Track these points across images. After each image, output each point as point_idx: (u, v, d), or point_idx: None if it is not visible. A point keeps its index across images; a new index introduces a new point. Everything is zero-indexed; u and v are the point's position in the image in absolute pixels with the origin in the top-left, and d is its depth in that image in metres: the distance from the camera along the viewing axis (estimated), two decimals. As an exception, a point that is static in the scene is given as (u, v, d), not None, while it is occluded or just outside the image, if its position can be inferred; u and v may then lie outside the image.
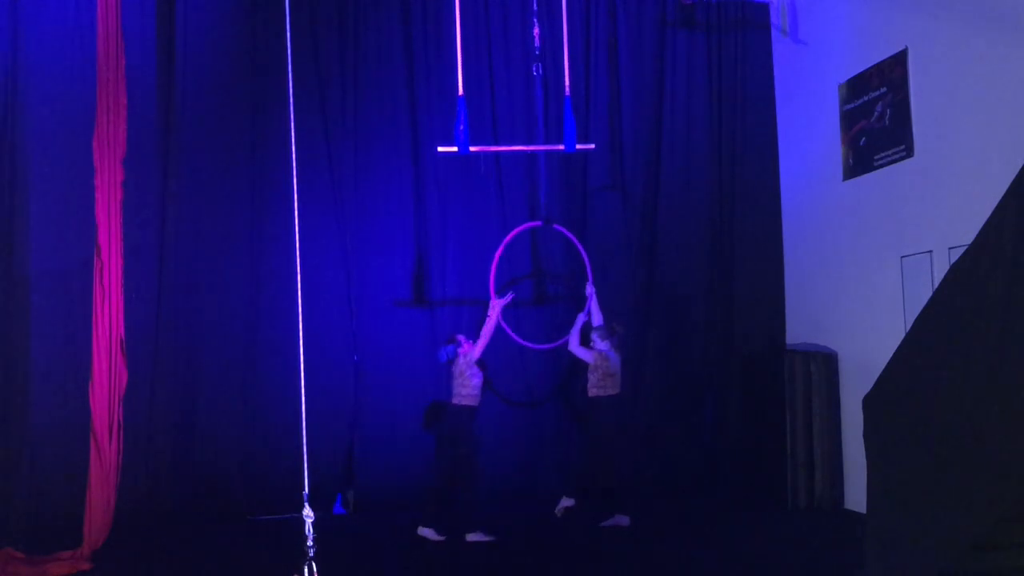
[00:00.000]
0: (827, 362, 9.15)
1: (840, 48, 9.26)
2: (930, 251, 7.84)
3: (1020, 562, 3.58)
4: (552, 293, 9.88)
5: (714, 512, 9.06)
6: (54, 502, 8.12)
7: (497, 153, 9.61)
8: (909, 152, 8.20)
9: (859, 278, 8.90)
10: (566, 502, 8.72)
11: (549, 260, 9.89)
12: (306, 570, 4.90)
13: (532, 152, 9.38)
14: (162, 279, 9.00)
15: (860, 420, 4.53)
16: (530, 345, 9.00)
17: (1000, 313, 3.55)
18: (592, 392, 8.64)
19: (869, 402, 4.44)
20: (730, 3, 10.32)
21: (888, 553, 4.07)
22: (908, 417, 4.03)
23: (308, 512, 4.95)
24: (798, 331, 9.94)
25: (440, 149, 8.39)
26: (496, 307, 8.37)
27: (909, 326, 4.40)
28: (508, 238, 8.92)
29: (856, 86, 8.94)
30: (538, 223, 9.03)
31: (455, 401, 8.21)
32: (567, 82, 8.53)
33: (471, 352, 8.20)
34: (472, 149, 8.21)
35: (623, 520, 8.47)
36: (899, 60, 8.29)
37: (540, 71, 8.70)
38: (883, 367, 4.35)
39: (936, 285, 4.57)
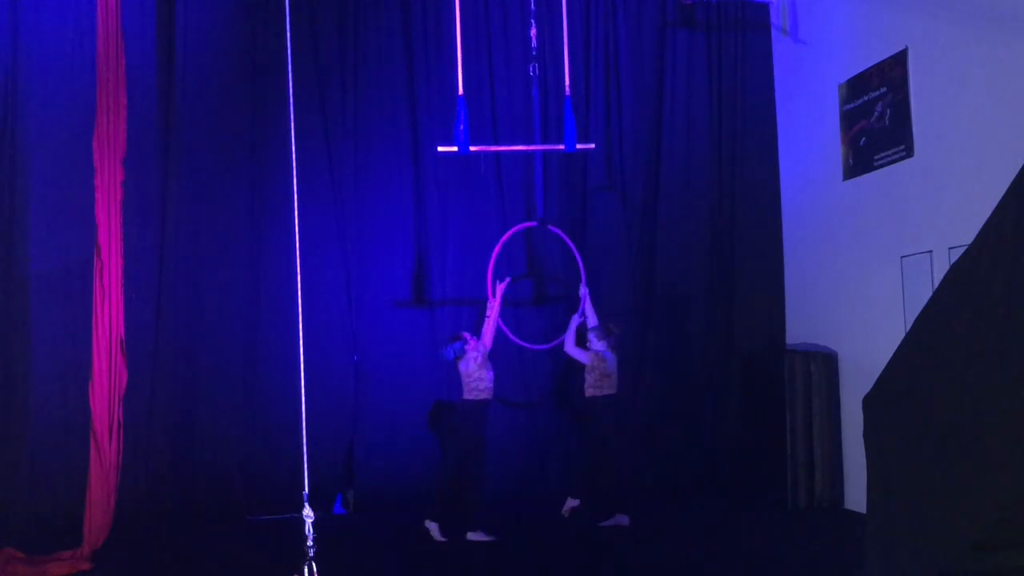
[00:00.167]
0: (827, 362, 9.15)
1: (840, 48, 9.26)
2: (930, 251, 7.84)
3: (1020, 562, 3.58)
4: (552, 294, 9.87)
5: (714, 512, 9.06)
6: (54, 502, 8.13)
7: (497, 153, 9.61)
8: (909, 152, 8.20)
9: (859, 278, 8.90)
10: (572, 503, 8.72)
11: (548, 260, 9.89)
12: (306, 570, 4.90)
13: (532, 152, 9.38)
14: (162, 279, 8.99)
15: (860, 420, 4.53)
16: (527, 345, 9.00)
17: (1000, 313, 3.55)
18: (589, 392, 8.64)
19: (869, 402, 4.43)
20: (730, 3, 10.32)
21: (888, 553, 4.07)
22: (908, 417, 4.03)
23: (308, 512, 4.96)
24: (798, 331, 9.94)
25: (440, 149, 8.39)
26: (498, 293, 8.39)
27: (909, 326, 4.40)
28: (505, 237, 8.91)
29: (856, 86, 8.94)
30: (533, 223, 9.02)
31: (467, 397, 8.20)
32: (567, 82, 8.53)
33: (481, 345, 8.21)
34: (472, 149, 8.21)
35: (623, 520, 8.47)
36: (899, 60, 8.29)
37: (537, 71, 8.71)
38: (883, 367, 4.35)
39: (936, 285, 4.57)
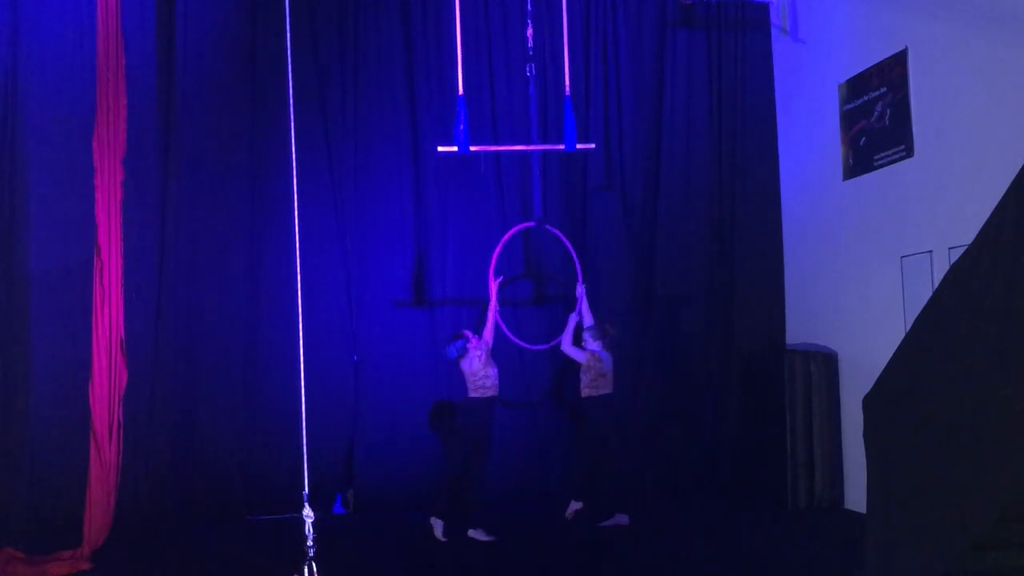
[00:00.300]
0: (827, 362, 9.15)
1: (840, 48, 9.26)
2: (930, 251, 7.84)
3: (1020, 562, 3.58)
4: (552, 294, 9.87)
5: (714, 512, 9.06)
6: (54, 502, 8.12)
7: (497, 153, 9.60)
8: (909, 152, 8.19)
9: (859, 278, 8.90)
10: (575, 506, 8.71)
11: (548, 261, 9.88)
12: (306, 570, 4.90)
13: (531, 152, 9.37)
14: (162, 279, 8.98)
15: (860, 420, 4.53)
16: (525, 345, 8.99)
17: (1000, 313, 3.55)
18: (585, 393, 8.64)
19: (869, 402, 4.44)
20: (730, 3, 10.31)
21: (888, 553, 4.07)
22: (908, 417, 4.03)
23: (308, 512, 4.96)
24: (798, 331, 9.94)
25: (440, 149, 8.39)
26: (492, 292, 8.40)
27: (909, 326, 4.40)
28: (506, 238, 8.91)
29: (856, 86, 8.94)
30: (531, 224, 9.02)
31: (473, 395, 8.21)
32: (567, 82, 8.53)
33: (483, 343, 8.23)
34: (472, 149, 8.21)
35: (623, 519, 8.47)
36: (899, 60, 8.29)
37: (534, 71, 8.71)
38: (883, 367, 4.35)
39: (936, 285, 4.57)
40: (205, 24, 9.29)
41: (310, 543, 4.90)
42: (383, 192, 9.73)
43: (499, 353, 8.64)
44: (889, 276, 8.39)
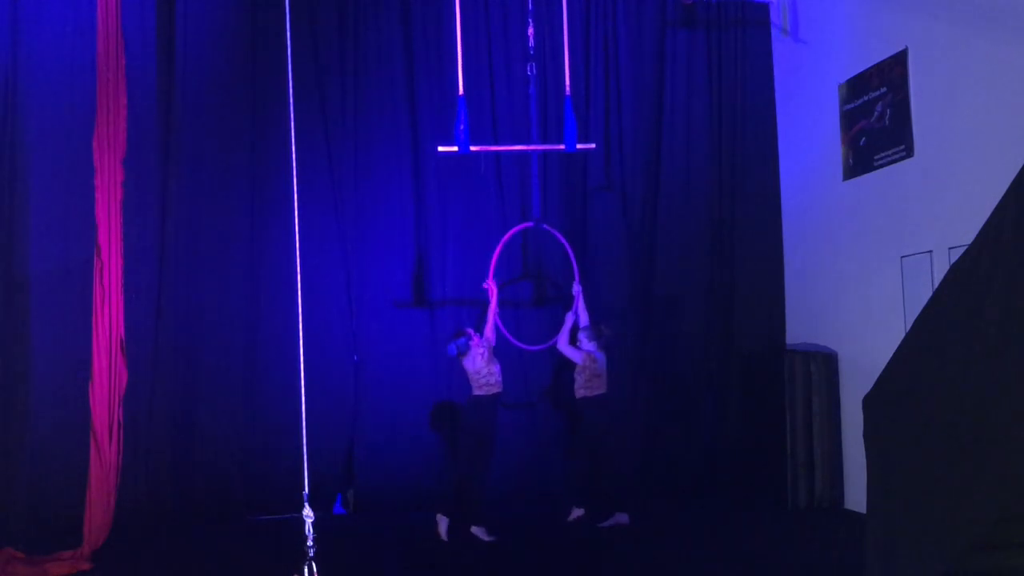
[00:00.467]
0: (827, 362, 9.15)
1: (840, 48, 9.26)
2: (930, 251, 7.84)
3: (1020, 562, 3.58)
4: (552, 295, 9.87)
5: (714, 512, 9.06)
6: (54, 502, 8.12)
7: (497, 153, 9.60)
8: (909, 152, 8.20)
9: (859, 278, 8.90)
10: (577, 512, 8.71)
11: (548, 261, 9.88)
12: (306, 570, 4.90)
13: (531, 152, 9.36)
14: (162, 279, 8.99)
15: (860, 420, 4.53)
16: (523, 346, 8.99)
17: (1000, 313, 3.55)
18: (580, 393, 8.64)
19: (869, 402, 4.43)
20: (730, 2, 10.31)
21: (888, 553, 4.07)
22: (908, 417, 4.03)
23: (308, 512, 4.95)
24: (798, 331, 9.94)
25: (440, 149, 8.40)
26: (492, 291, 8.43)
27: (909, 326, 4.40)
28: (505, 238, 8.90)
29: (856, 86, 8.94)
30: (529, 224, 9.02)
31: (478, 392, 8.21)
32: (567, 82, 8.53)
33: (485, 340, 8.25)
34: (472, 149, 8.21)
35: (623, 518, 8.47)
36: (899, 60, 8.29)
37: (534, 70, 8.70)
38: (883, 367, 4.35)
39: (936, 285, 4.56)
40: (205, 24, 9.30)
41: (310, 543, 4.90)
42: (383, 192, 9.73)
43: (499, 354, 8.63)
44: (889, 276, 8.39)
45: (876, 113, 8.62)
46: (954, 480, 3.66)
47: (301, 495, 5.06)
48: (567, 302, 9.12)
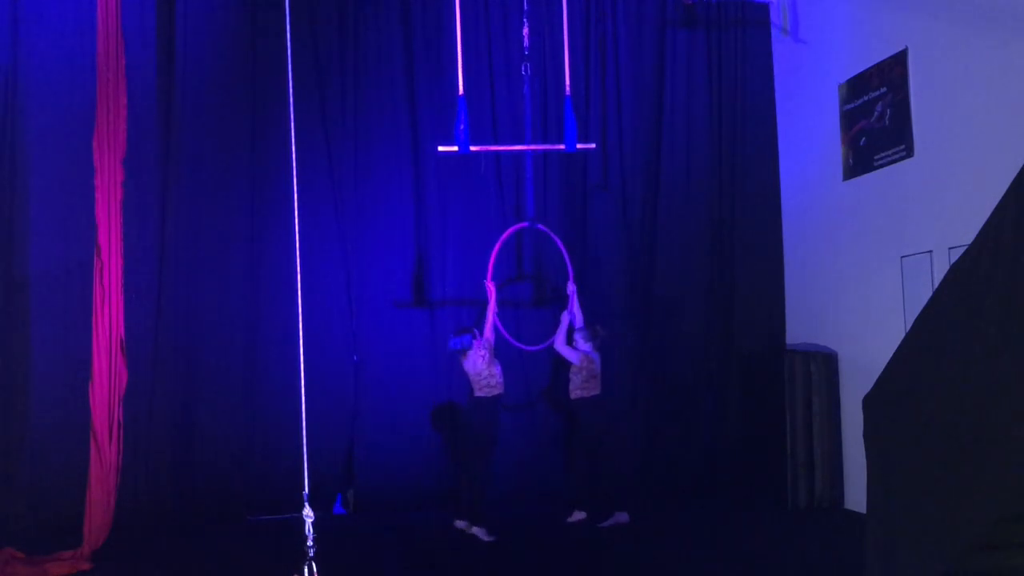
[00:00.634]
0: (827, 362, 9.14)
1: (840, 48, 9.26)
2: (930, 251, 7.84)
3: (1020, 562, 3.58)
4: (552, 295, 9.86)
5: (714, 512, 9.06)
6: (54, 502, 8.12)
7: (497, 153, 9.60)
8: (909, 152, 8.20)
9: (859, 278, 8.90)
10: (578, 515, 8.71)
11: (548, 262, 9.86)
12: (306, 570, 4.90)
13: (531, 152, 9.36)
14: (162, 279, 8.99)
15: (860, 420, 4.53)
16: (520, 346, 8.99)
17: (1000, 313, 3.55)
18: (576, 395, 8.63)
19: (869, 402, 4.43)
20: (730, 2, 10.31)
21: (888, 553, 4.07)
22: (908, 417, 4.03)
23: (308, 512, 4.95)
24: (798, 331, 9.94)
25: (440, 149, 8.40)
26: (490, 291, 8.44)
27: (909, 326, 4.40)
28: (503, 238, 8.90)
29: (856, 86, 8.94)
30: (524, 224, 9.01)
31: (480, 394, 8.22)
32: (567, 82, 8.53)
33: (485, 341, 8.26)
34: (472, 149, 8.21)
35: (623, 517, 8.47)
36: (899, 60, 8.29)
37: (529, 70, 8.70)
38: (883, 367, 4.35)
39: (936, 285, 4.56)
40: (205, 24, 9.30)
41: (310, 543, 4.90)
42: (383, 192, 9.73)
43: (499, 354, 8.63)
44: (889, 276, 8.39)
45: (876, 113, 8.62)
46: (954, 480, 3.66)
47: (301, 495, 5.06)
48: (565, 302, 9.12)
